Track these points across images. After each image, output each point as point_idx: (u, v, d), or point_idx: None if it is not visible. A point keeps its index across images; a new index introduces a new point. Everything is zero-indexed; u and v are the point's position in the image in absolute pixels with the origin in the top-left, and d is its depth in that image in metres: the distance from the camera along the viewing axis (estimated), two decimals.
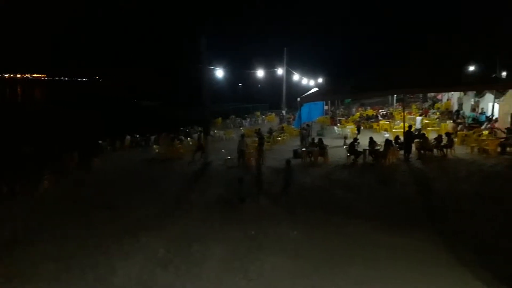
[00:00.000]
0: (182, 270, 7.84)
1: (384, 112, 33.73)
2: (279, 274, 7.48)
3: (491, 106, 22.44)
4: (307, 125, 23.12)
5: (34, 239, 9.80)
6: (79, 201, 13.05)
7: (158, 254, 8.59)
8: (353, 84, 19.82)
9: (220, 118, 37.90)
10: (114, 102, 62.46)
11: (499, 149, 16.30)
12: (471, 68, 44.89)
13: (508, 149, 16.32)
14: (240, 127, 32.92)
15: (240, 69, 48.29)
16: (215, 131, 28.17)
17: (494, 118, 20.96)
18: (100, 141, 23.23)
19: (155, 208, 11.82)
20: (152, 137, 25.20)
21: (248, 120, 37.54)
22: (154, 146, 22.34)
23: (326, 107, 35.77)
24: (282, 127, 28.70)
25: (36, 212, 11.95)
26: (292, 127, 27.52)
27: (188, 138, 24.86)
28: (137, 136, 25.78)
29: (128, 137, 25.28)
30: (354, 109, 42.12)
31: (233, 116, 38.68)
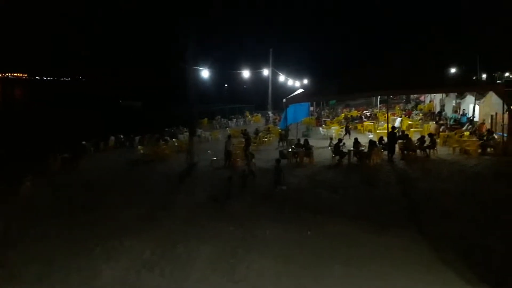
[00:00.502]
0: (168, 272, 7.78)
1: (368, 113, 34.19)
2: (265, 275, 7.48)
3: (472, 107, 22.97)
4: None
5: (16, 241, 9.59)
6: (62, 203, 12.82)
7: (143, 256, 8.50)
8: (338, 86, 20.02)
9: (206, 119, 37.78)
10: (98, 102, 61.55)
11: (480, 150, 16.71)
12: (453, 70, 45.83)
13: (488, 149, 16.75)
14: (226, 127, 32.89)
15: (226, 69, 48.31)
16: (201, 131, 28.09)
17: (475, 119, 21.47)
18: (83, 142, 22.91)
19: (140, 210, 11.69)
20: (137, 138, 24.95)
21: (234, 120, 37.54)
22: (139, 146, 22.12)
23: (311, 108, 36.04)
24: (268, 128, 28.80)
25: (18, 214, 11.69)
26: (278, 128, 27.62)
27: (174, 139, 24.70)
28: (121, 136, 25.49)
29: (112, 137, 24.99)
30: (339, 110, 42.57)
31: (219, 117, 38.60)
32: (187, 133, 22.77)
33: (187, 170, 17.17)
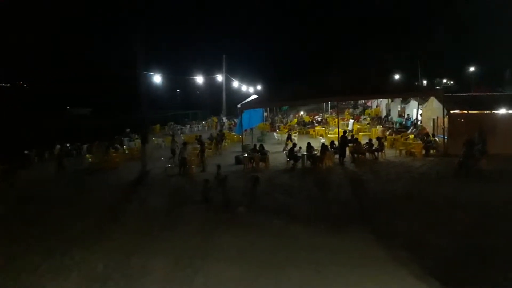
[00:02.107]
0: (123, 285, 7.45)
1: (319, 119, 35.15)
2: (224, 282, 7.40)
3: (416, 112, 24.37)
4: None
5: None
6: (2, 218, 11.92)
7: (95, 270, 8.07)
8: (290, 92, 20.45)
9: (158, 125, 36.93)
10: (43, 109, 57.83)
11: (423, 152, 17.75)
12: (397, 76, 48.37)
13: (431, 151, 17.85)
14: (180, 134, 32.34)
15: (178, 75, 47.63)
16: (154, 138, 27.44)
17: (419, 124, 22.79)
18: (26, 151, 21.48)
19: (90, 221, 11.12)
20: (85, 146, 23.83)
21: (188, 126, 37.03)
22: (87, 155, 21.15)
23: (265, 114, 36.49)
24: (223, 133, 28.69)
25: None
26: (233, 133, 27.65)
27: (124, 146, 23.89)
28: (68, 145, 24.21)
29: (58, 146, 23.66)
30: (291, 116, 43.38)
31: (172, 123, 37.89)
32: (139, 140, 22.18)
33: (139, 178, 16.64)
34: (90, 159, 20.06)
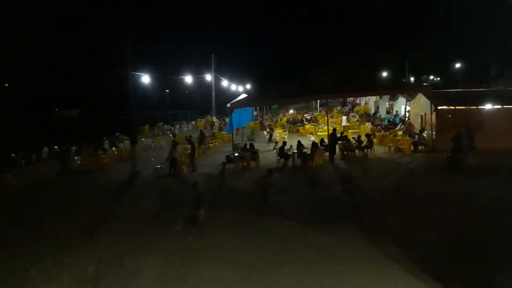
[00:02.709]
0: (114, 287, 7.39)
1: (309, 117, 35.28)
2: (217, 282, 7.38)
3: (404, 108, 24.61)
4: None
5: None
6: None
7: (86, 273, 7.99)
8: (280, 90, 20.48)
9: (147, 126, 36.69)
10: (30, 112, 56.91)
11: (412, 148, 17.95)
12: (385, 74, 48.78)
13: (419, 147, 18.05)
14: (170, 134, 32.19)
15: (166, 74, 47.32)
16: (143, 138, 27.26)
17: (407, 120, 23.02)
18: (12, 154, 21.16)
19: (79, 224, 10.99)
20: (73, 148, 23.56)
21: (178, 126, 36.86)
22: (76, 157, 20.92)
23: (255, 113, 36.49)
24: (213, 133, 28.63)
25: None
26: (224, 132, 27.61)
27: (113, 148, 23.68)
28: (56, 147, 23.92)
29: (45, 148, 23.37)
30: (281, 114, 43.47)
31: (161, 123, 37.66)
32: (128, 141, 22.03)
33: (128, 180, 16.50)
34: (79, 161, 19.85)
